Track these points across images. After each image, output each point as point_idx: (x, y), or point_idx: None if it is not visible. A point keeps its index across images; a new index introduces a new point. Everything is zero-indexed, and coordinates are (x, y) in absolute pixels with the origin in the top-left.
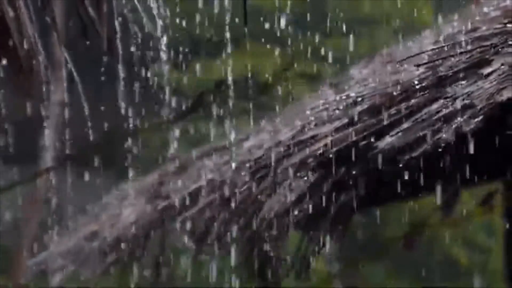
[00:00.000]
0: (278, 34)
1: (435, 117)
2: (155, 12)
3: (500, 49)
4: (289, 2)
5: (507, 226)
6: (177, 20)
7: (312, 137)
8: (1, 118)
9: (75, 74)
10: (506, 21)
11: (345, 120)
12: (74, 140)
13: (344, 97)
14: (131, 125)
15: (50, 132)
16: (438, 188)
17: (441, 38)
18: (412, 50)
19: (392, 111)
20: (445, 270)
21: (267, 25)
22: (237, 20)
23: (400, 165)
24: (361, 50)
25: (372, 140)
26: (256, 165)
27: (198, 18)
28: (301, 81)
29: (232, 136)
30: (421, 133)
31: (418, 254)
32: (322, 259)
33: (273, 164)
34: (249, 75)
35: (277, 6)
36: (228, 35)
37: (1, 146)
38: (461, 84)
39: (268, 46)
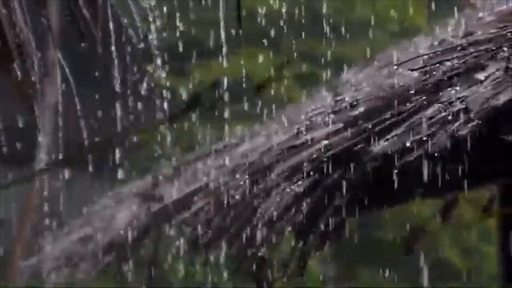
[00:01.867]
0: (273, 37)
1: (430, 121)
2: (149, 14)
3: (495, 54)
4: (283, 5)
5: (502, 229)
6: (172, 22)
7: (307, 141)
8: None
9: (69, 75)
10: (501, 25)
11: (340, 124)
12: (68, 142)
13: (339, 101)
14: (125, 127)
15: (44, 133)
16: (434, 193)
17: (436, 43)
18: (407, 55)
19: (387, 115)
20: (441, 273)
21: (262, 28)
22: (231, 22)
23: (395, 170)
24: (356, 54)
25: (367, 144)
26: (251, 169)
27: (192, 20)
28: (296, 84)
29: (227, 139)
30: (416, 138)
31: (414, 257)
32: (317, 261)
33: (268, 167)
34: (244, 78)
35: (272, 8)
36: (222, 37)
37: None
38: (456, 89)
39: (263, 49)
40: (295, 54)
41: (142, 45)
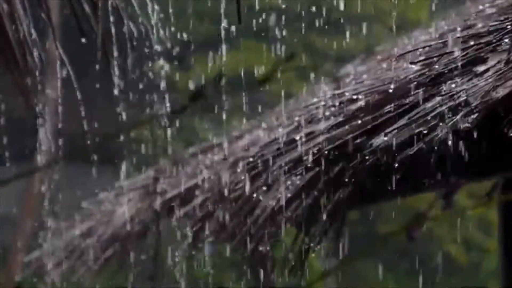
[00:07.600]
0: (273, 31)
1: (431, 114)
2: (149, 9)
3: (496, 47)
4: None
5: (502, 223)
6: (172, 17)
7: (308, 134)
8: None
9: (70, 70)
10: (502, 18)
11: (341, 118)
12: (69, 136)
13: (339, 95)
14: (126, 122)
15: (45, 128)
16: (435, 185)
17: (436, 36)
18: (407, 48)
19: (388, 108)
20: (441, 268)
21: (261, 23)
22: (231, 17)
23: (396, 163)
24: (357, 48)
25: (368, 137)
26: (252, 162)
27: (192, 15)
28: (297, 78)
29: (228, 133)
30: (416, 131)
31: (414, 251)
32: (318, 256)
33: (268, 161)
34: (244, 73)
35: (271, 2)
36: (222, 32)
37: None
38: (457, 82)
39: (263, 44)
40: (295, 48)
41: (143, 39)
